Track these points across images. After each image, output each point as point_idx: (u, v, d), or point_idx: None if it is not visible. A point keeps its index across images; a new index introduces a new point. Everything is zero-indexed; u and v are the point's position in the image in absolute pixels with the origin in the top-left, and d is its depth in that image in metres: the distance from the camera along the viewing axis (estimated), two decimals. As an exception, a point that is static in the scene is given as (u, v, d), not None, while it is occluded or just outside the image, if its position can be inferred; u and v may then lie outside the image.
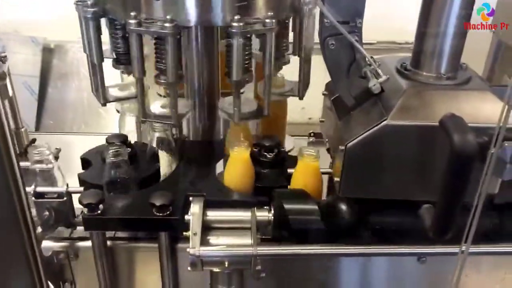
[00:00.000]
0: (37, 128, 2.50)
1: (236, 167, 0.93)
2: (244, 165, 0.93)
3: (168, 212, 0.85)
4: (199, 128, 1.14)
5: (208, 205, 0.89)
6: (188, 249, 0.81)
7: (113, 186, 0.91)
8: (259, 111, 1.02)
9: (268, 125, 1.12)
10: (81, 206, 0.85)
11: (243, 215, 0.88)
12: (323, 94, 1.00)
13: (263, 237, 0.87)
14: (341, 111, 0.86)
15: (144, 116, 0.99)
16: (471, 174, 0.64)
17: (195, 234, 0.83)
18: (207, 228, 0.87)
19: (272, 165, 0.97)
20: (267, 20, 0.86)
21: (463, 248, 0.65)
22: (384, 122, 0.75)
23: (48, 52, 2.54)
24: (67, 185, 0.90)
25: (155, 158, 1.01)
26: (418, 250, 0.85)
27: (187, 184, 0.95)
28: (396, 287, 0.97)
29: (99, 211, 0.84)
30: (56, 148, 1.01)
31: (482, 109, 0.76)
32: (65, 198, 0.88)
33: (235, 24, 0.84)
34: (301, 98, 1.08)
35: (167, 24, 0.86)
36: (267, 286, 0.94)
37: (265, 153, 0.97)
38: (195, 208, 0.86)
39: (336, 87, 0.86)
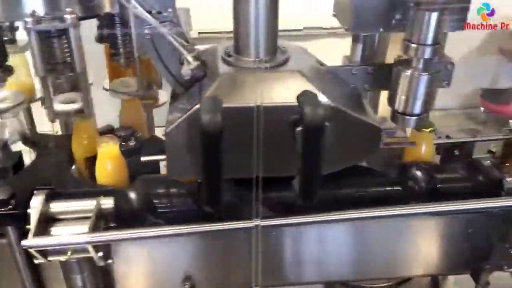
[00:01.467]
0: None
1: (106, 163, 0.95)
2: (115, 160, 0.95)
3: (10, 207, 0.87)
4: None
5: (57, 197, 0.91)
6: (22, 241, 0.83)
7: None
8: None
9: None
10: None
11: (89, 204, 0.90)
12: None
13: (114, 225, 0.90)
14: (172, 99, 0.89)
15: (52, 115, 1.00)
16: (320, 143, 0.69)
17: (34, 226, 0.85)
18: (53, 220, 0.90)
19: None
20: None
21: (256, 223, 0.70)
22: (197, 107, 0.79)
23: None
24: None
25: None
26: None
27: (37, 177, 0.97)
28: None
29: None
30: None
31: (290, 89, 0.80)
32: None
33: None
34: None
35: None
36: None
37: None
38: (36, 200, 0.88)
39: (163, 76, 0.88)
